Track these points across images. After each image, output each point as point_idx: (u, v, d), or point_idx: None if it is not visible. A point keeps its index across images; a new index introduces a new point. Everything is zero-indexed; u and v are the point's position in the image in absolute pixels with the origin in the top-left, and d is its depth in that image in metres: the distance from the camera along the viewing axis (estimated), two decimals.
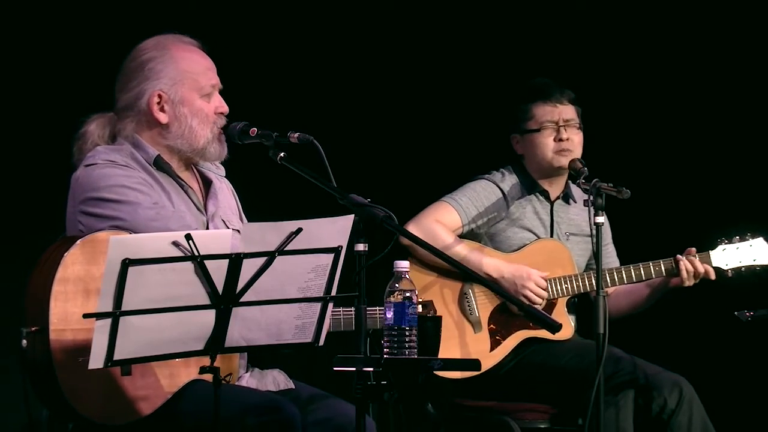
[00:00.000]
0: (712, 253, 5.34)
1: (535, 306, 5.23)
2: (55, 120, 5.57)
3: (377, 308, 4.06)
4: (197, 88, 4.23)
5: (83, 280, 3.82)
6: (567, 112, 5.40)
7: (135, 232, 3.95)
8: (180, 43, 4.28)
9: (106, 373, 3.70)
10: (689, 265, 5.25)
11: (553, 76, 5.52)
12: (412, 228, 5.25)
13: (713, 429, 5.18)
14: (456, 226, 5.35)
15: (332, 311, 4.15)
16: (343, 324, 4.25)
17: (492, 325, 5.33)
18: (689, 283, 5.28)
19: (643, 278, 5.32)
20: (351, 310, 4.16)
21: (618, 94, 6.44)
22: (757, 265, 5.37)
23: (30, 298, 3.84)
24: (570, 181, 5.48)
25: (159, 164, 4.21)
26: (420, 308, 4.25)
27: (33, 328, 3.79)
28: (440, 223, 5.32)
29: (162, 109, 4.22)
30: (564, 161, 5.34)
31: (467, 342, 5.28)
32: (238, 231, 3.63)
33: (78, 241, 3.84)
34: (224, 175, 4.42)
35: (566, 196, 5.51)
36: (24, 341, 3.77)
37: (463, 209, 5.36)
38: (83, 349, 3.74)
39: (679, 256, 5.28)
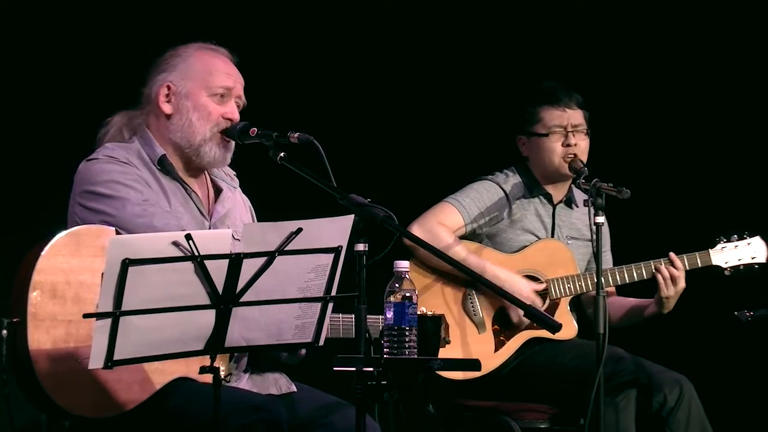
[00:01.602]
0: (711, 251, 5.36)
1: (526, 324, 5.26)
2: (57, 115, 5.58)
3: (379, 317, 4.05)
4: (206, 86, 4.26)
5: (64, 271, 3.82)
6: (575, 117, 5.39)
7: (121, 228, 3.98)
8: (209, 49, 4.35)
9: (85, 364, 3.64)
10: (665, 272, 5.25)
11: (554, 77, 5.52)
12: (416, 229, 5.25)
13: (710, 428, 5.18)
14: (458, 227, 5.35)
15: (332, 317, 4.16)
16: (343, 330, 4.24)
17: (496, 326, 5.33)
18: (666, 293, 5.26)
19: (645, 277, 5.32)
20: (351, 317, 4.16)
21: (618, 94, 6.44)
22: (755, 264, 5.39)
23: (14, 288, 3.84)
24: (573, 185, 5.47)
25: (163, 164, 4.23)
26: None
27: (14, 319, 3.79)
28: (443, 225, 5.31)
29: (169, 101, 4.25)
30: (571, 172, 5.33)
31: (471, 343, 5.28)
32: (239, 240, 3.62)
33: (61, 234, 3.85)
34: (237, 186, 4.43)
35: (569, 200, 5.51)
36: (4, 332, 3.77)
37: (466, 210, 5.36)
38: (61, 340, 3.77)
39: (687, 257, 5.29)
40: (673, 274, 5.25)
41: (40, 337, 3.78)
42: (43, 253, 3.81)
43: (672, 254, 5.28)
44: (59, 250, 3.83)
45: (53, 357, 3.78)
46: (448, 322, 5.03)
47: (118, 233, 3.91)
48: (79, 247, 3.85)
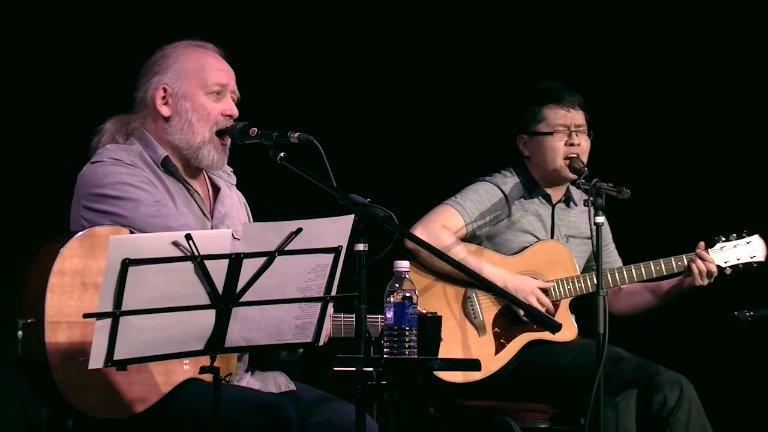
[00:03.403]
0: (710, 251, 5.35)
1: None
2: (59, 118, 5.58)
3: (378, 316, 4.05)
4: (202, 85, 4.25)
5: (80, 273, 3.83)
6: (578, 117, 5.40)
7: (135, 229, 3.97)
8: (197, 46, 4.33)
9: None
10: (701, 265, 5.26)
11: (554, 77, 5.52)
12: (419, 232, 5.25)
13: (710, 428, 5.18)
14: (459, 229, 5.35)
15: (333, 317, 4.17)
16: (344, 330, 4.24)
17: (496, 329, 5.32)
18: (701, 282, 5.28)
19: (644, 278, 5.33)
20: (352, 317, 4.16)
21: (618, 94, 6.44)
22: (755, 262, 5.39)
23: (27, 290, 3.85)
24: (571, 184, 5.47)
25: (166, 166, 4.22)
26: None
27: (29, 320, 3.80)
28: (446, 228, 5.31)
29: (166, 103, 4.25)
30: (571, 172, 5.33)
31: (472, 345, 5.28)
32: (239, 239, 3.62)
33: (76, 235, 3.85)
34: (235, 183, 4.42)
35: (567, 199, 5.51)
36: (20, 332, 3.78)
37: (467, 212, 5.36)
38: (78, 342, 3.78)
39: (687, 257, 5.29)
40: (710, 270, 5.26)
41: (57, 339, 3.79)
42: (59, 255, 3.81)
43: (703, 252, 5.28)
44: (75, 252, 3.84)
45: (69, 358, 3.78)
46: (446, 323, 5.04)
47: (132, 234, 3.91)
48: (94, 249, 3.85)
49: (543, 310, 5.26)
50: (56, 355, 3.78)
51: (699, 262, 5.27)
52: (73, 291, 3.82)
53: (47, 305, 3.79)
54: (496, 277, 5.28)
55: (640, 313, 5.49)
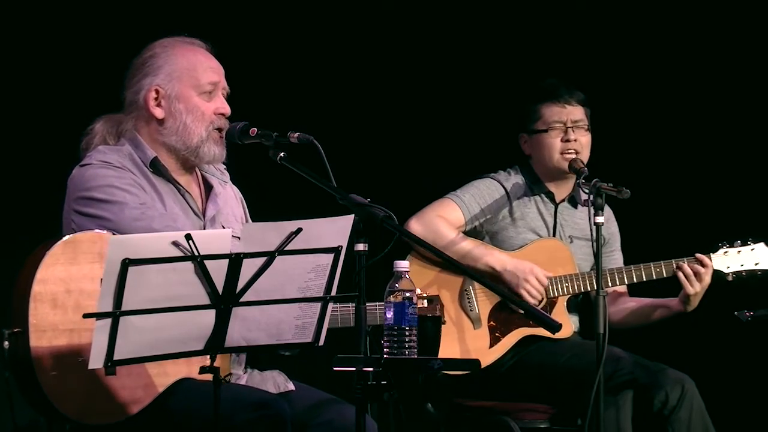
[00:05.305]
0: (713, 256, 5.34)
1: (533, 302, 5.24)
2: (52, 120, 5.57)
3: (377, 303, 4.05)
4: (195, 85, 4.24)
5: (64, 280, 3.82)
6: (575, 113, 5.40)
7: (120, 232, 3.95)
8: (186, 43, 4.30)
9: (89, 373, 3.66)
10: (686, 269, 5.26)
11: (557, 76, 5.52)
12: (415, 223, 5.27)
13: (712, 427, 5.19)
14: (458, 223, 5.35)
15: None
16: (341, 320, 4.24)
17: (492, 322, 5.33)
18: (692, 289, 5.26)
19: (644, 279, 5.32)
20: (348, 306, 4.17)
21: (620, 94, 6.44)
22: (759, 270, 5.37)
23: (13, 299, 3.83)
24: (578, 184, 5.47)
25: (156, 166, 4.21)
26: (426, 303, 4.27)
27: (15, 329, 3.78)
28: (443, 219, 5.32)
29: (159, 105, 4.24)
30: (567, 164, 5.33)
31: (466, 338, 5.29)
32: (238, 238, 3.62)
33: (59, 242, 3.84)
34: (228, 180, 4.42)
35: (573, 199, 5.51)
36: (6, 342, 3.77)
37: (466, 206, 5.36)
38: (65, 349, 3.77)
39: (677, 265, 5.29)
40: (696, 271, 5.25)
41: (43, 347, 3.77)
42: (41, 263, 3.80)
43: (698, 255, 5.28)
44: (57, 259, 3.82)
45: (56, 367, 3.77)
46: (443, 316, 5.05)
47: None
48: (76, 255, 3.84)
49: (542, 289, 5.26)
50: (42, 363, 3.77)
51: (685, 266, 5.26)
52: (56, 299, 3.81)
53: (30, 314, 3.77)
54: (496, 261, 5.29)
55: (635, 327, 5.48)
